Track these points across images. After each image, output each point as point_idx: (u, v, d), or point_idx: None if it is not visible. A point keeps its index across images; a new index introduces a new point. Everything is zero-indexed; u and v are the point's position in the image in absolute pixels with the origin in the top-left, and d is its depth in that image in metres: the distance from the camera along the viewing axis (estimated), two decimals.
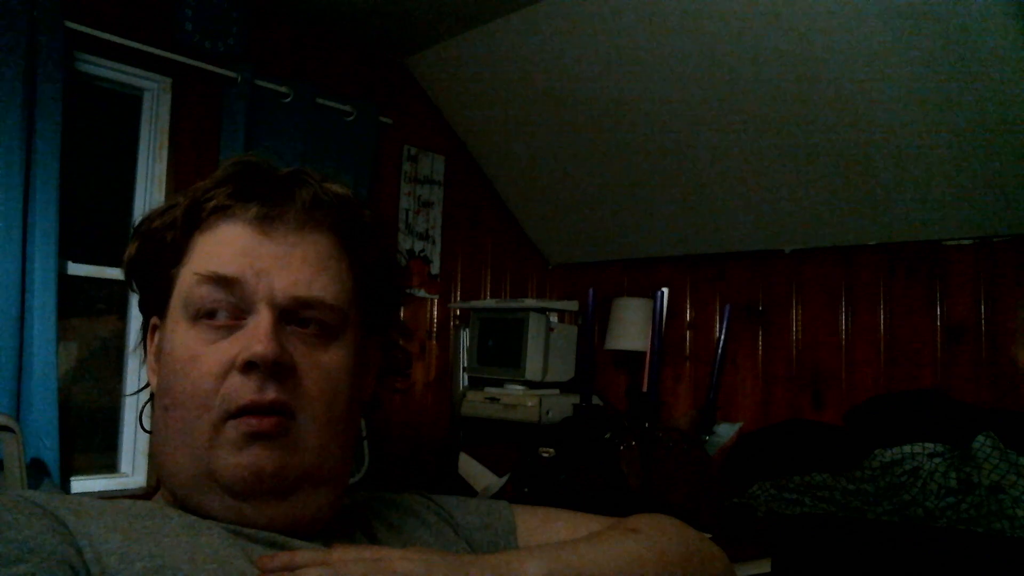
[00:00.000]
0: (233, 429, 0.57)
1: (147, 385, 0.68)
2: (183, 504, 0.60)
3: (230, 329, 0.60)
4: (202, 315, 0.60)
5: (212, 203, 0.62)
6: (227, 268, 0.60)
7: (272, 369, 0.58)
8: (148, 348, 0.67)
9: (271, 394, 0.58)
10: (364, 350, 0.67)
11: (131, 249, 0.66)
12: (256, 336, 0.58)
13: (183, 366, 0.59)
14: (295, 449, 0.59)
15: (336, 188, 0.66)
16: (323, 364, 0.61)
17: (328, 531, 0.63)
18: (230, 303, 0.60)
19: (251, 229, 0.61)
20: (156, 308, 0.66)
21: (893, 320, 2.41)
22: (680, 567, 0.66)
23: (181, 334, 0.61)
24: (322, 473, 0.61)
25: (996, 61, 1.86)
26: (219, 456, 0.58)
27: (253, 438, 0.57)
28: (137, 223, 0.66)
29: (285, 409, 0.59)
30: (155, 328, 0.67)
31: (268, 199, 0.62)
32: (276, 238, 0.62)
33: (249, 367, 0.58)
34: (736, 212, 2.64)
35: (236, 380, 0.58)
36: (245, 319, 0.60)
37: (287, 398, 0.59)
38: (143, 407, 0.67)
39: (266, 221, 0.62)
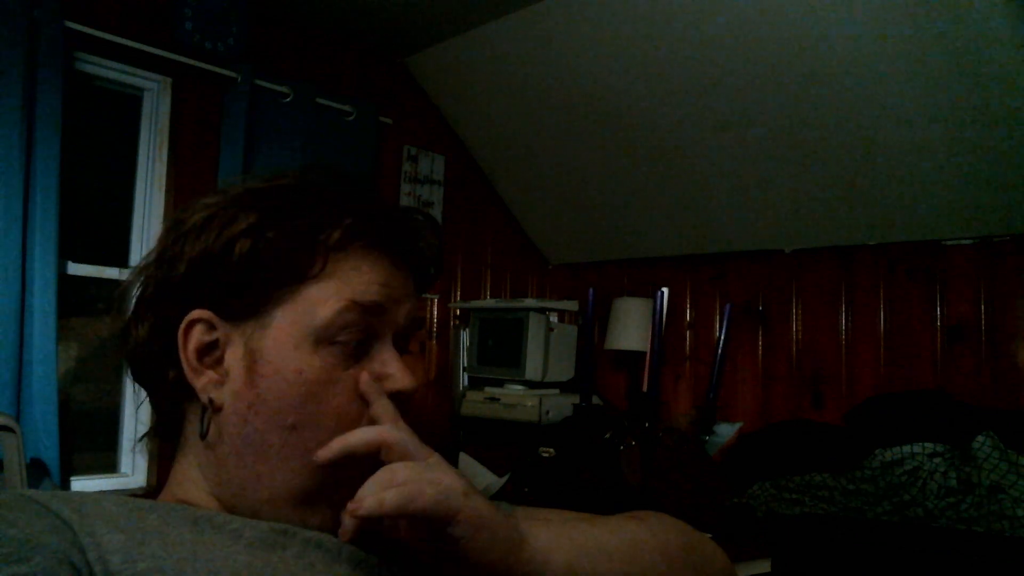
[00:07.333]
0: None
1: (179, 386, 0.62)
2: (253, 514, 0.61)
3: (358, 355, 0.62)
4: (337, 338, 0.61)
5: (364, 238, 0.63)
6: (376, 296, 0.62)
7: (410, 397, 0.64)
8: (185, 344, 0.61)
9: (403, 420, 0.63)
10: None
11: (242, 246, 0.60)
12: (399, 367, 0.64)
13: (319, 389, 0.60)
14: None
15: (440, 244, 0.70)
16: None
17: None
18: (365, 330, 0.62)
19: (389, 261, 0.65)
20: (224, 308, 0.61)
21: (893, 320, 2.41)
22: (681, 556, 0.68)
23: (305, 354, 0.60)
24: None
25: (997, 60, 1.86)
26: (344, 480, 0.59)
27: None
28: (252, 222, 0.60)
29: None
30: (195, 322, 0.61)
31: (404, 242, 0.66)
32: (402, 269, 0.66)
33: (395, 396, 0.63)
34: (736, 212, 2.64)
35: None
36: (368, 344, 0.63)
37: None
38: (208, 418, 0.61)
39: (401, 257, 0.66)
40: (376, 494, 0.53)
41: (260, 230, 0.60)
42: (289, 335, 0.60)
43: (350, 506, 0.53)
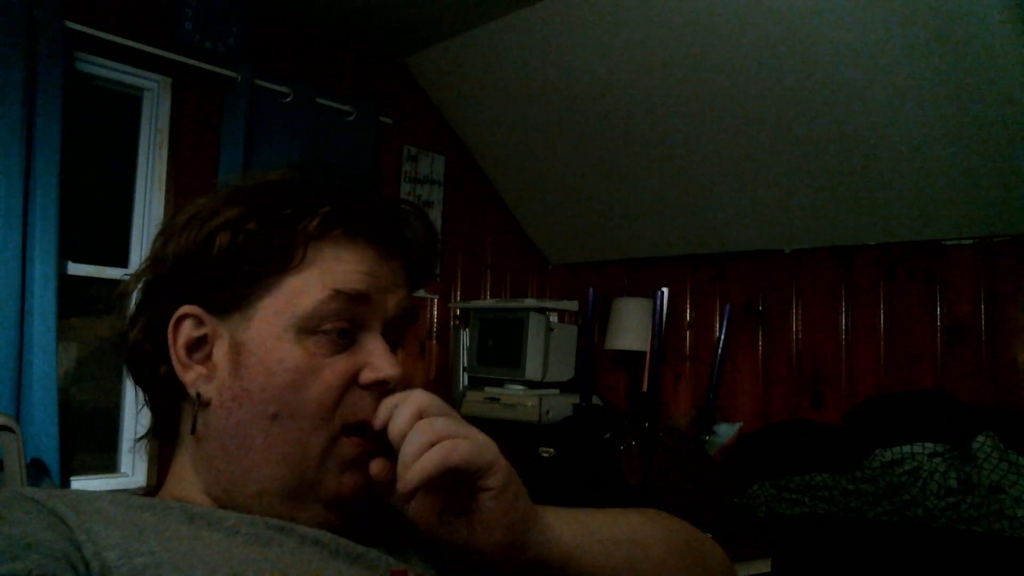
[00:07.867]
0: (346, 448, 0.60)
1: (172, 383, 0.62)
2: (246, 510, 0.60)
3: (344, 345, 0.62)
4: (321, 327, 0.60)
5: (344, 226, 0.62)
6: (360, 285, 0.62)
7: (394, 388, 0.62)
8: (174, 340, 0.62)
9: None
10: None
11: (222, 240, 0.60)
12: (383, 356, 0.62)
13: (300, 378, 0.59)
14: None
15: (428, 232, 0.69)
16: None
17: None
18: (352, 320, 0.62)
19: (374, 251, 0.64)
20: (212, 303, 0.61)
21: (893, 320, 2.41)
22: (683, 547, 0.69)
23: (288, 344, 0.60)
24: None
25: (997, 60, 1.86)
26: (328, 471, 0.60)
27: (362, 459, 0.60)
28: (232, 216, 0.61)
29: None
30: (183, 318, 0.62)
31: (390, 231, 0.65)
32: (391, 259, 0.65)
33: (376, 385, 0.62)
34: (736, 212, 2.64)
35: (359, 395, 0.61)
36: (356, 334, 0.62)
37: None
38: (195, 412, 0.62)
39: (388, 247, 0.65)
40: (413, 465, 0.54)
41: (239, 223, 0.61)
42: (272, 326, 0.60)
43: (400, 489, 0.55)
